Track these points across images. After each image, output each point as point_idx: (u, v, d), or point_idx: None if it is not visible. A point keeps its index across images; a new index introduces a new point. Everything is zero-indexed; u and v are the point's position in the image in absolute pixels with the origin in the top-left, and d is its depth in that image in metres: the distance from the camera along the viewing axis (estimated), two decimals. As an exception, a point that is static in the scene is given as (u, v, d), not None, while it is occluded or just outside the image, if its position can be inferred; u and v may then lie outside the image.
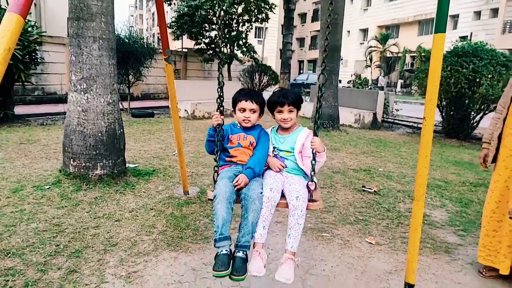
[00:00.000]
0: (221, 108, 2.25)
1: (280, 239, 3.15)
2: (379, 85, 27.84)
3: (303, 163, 2.33)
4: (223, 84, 2.24)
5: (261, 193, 2.12)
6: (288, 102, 2.34)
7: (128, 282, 2.44)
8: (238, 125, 2.43)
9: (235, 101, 2.40)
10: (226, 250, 1.98)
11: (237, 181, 2.10)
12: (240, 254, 2.00)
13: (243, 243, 2.03)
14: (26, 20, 7.17)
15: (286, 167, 2.35)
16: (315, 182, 2.21)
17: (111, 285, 2.40)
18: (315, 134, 2.23)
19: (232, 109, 2.45)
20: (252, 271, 2.01)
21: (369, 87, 16.13)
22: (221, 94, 2.23)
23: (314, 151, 2.19)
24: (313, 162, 2.20)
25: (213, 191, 2.13)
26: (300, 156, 2.34)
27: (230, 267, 1.94)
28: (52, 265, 2.57)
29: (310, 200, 2.20)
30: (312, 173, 2.21)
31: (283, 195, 2.20)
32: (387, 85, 32.92)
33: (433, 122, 2.01)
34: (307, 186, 2.20)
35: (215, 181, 2.21)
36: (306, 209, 2.15)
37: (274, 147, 2.42)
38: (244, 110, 2.36)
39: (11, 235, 2.96)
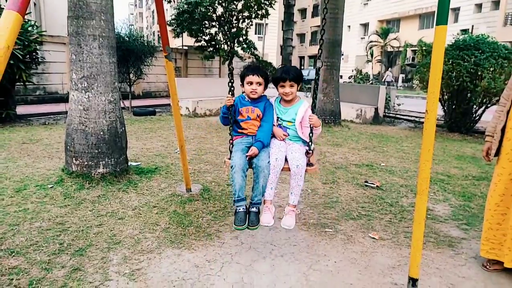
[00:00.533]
0: (232, 89, 2.67)
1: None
2: (387, 79, 27.54)
3: (302, 132, 2.73)
4: (233, 69, 2.69)
5: (269, 162, 2.56)
6: (289, 78, 2.66)
7: (132, 280, 2.44)
8: (246, 97, 2.77)
9: (243, 76, 2.74)
10: (243, 208, 2.51)
11: (250, 154, 2.54)
12: (254, 209, 2.54)
13: (256, 201, 2.55)
14: (26, 20, 7.16)
15: (288, 135, 2.75)
16: (312, 150, 2.66)
17: (115, 282, 2.41)
18: (313, 112, 2.64)
19: (241, 84, 2.79)
20: (264, 222, 2.58)
21: (371, 82, 16.07)
22: (232, 78, 2.63)
23: (311, 125, 2.59)
24: (311, 134, 2.63)
25: (229, 159, 2.60)
26: (300, 126, 2.72)
27: (247, 221, 2.49)
28: (56, 263, 2.58)
29: (308, 164, 2.63)
30: (310, 142, 2.65)
31: (286, 160, 2.62)
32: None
33: (436, 115, 2.00)
34: (306, 152, 2.64)
35: (230, 151, 2.66)
36: (305, 172, 2.60)
37: (278, 117, 2.79)
38: (251, 83, 2.70)
39: (15, 234, 2.97)
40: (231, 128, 2.72)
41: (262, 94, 2.81)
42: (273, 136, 2.76)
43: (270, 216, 2.60)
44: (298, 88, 2.76)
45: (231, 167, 2.52)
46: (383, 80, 27.67)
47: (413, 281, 2.33)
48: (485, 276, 2.67)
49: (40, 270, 2.48)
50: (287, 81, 2.67)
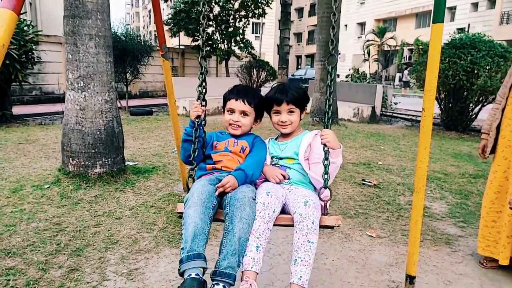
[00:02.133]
0: (201, 97, 1.80)
1: (281, 234, 3.15)
2: (404, 79, 27.30)
3: (311, 171, 1.84)
4: (206, 71, 1.84)
5: (254, 198, 1.61)
6: (287, 100, 1.86)
7: (130, 279, 2.44)
8: (227, 131, 1.99)
9: (225, 99, 1.96)
10: (197, 275, 1.37)
11: (223, 184, 1.59)
12: (219, 287, 1.41)
13: (224, 269, 1.43)
14: (22, 19, 7.11)
15: (289, 177, 1.84)
16: (330, 189, 1.67)
17: (113, 282, 2.40)
18: (327, 127, 1.74)
19: (223, 109, 2.01)
20: None
21: (368, 81, 16.10)
22: (204, 82, 1.80)
23: (326, 148, 1.69)
24: (326, 162, 1.67)
25: (183, 203, 1.62)
26: (307, 164, 1.85)
27: None
28: (53, 264, 2.57)
29: (324, 213, 1.69)
30: (326, 176, 1.66)
31: (284, 212, 1.70)
32: (386, 79, 32.89)
33: (432, 112, 2.01)
34: (319, 196, 1.70)
35: (188, 189, 1.66)
36: (320, 225, 1.60)
37: (272, 157, 1.96)
38: (233, 111, 1.90)
39: (11, 234, 2.96)
40: (193, 161, 1.76)
41: (250, 133, 2.00)
42: (265, 180, 1.89)
43: None
44: (302, 117, 1.97)
45: (185, 201, 1.58)
46: (400, 80, 27.43)
47: (410, 278, 2.34)
48: (481, 273, 2.68)
49: (37, 270, 2.47)
50: (284, 104, 1.87)
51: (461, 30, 20.29)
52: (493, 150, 2.73)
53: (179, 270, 1.41)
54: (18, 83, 8.35)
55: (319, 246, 3.00)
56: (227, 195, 1.61)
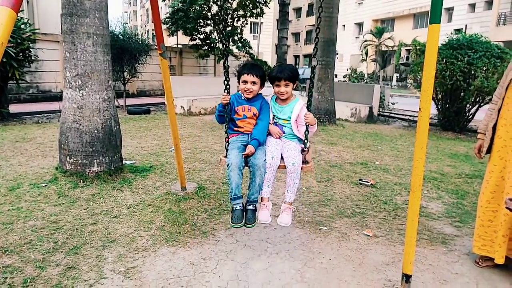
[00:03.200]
0: (228, 87, 2.66)
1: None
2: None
3: (298, 130, 2.74)
4: (228, 67, 2.68)
5: (265, 160, 2.55)
6: (284, 77, 2.67)
7: (127, 278, 2.44)
8: (242, 95, 2.75)
9: (239, 74, 2.73)
10: (240, 206, 2.52)
11: (247, 153, 2.54)
12: (251, 207, 2.56)
13: (253, 199, 2.56)
14: (19, 17, 7.05)
15: (284, 133, 2.76)
16: (307, 148, 2.67)
17: (110, 280, 2.40)
18: (308, 110, 2.65)
19: (238, 81, 2.79)
20: (261, 219, 2.58)
21: (365, 81, 16.14)
22: (227, 76, 2.65)
23: (307, 123, 2.61)
24: (306, 132, 2.64)
25: (225, 157, 2.59)
26: (296, 124, 2.73)
27: (243, 219, 2.49)
28: (50, 262, 2.57)
29: (304, 162, 2.64)
30: (305, 140, 2.66)
31: (282, 158, 2.63)
32: (383, 79, 32.96)
33: (429, 112, 2.02)
34: (301, 150, 2.65)
35: (226, 150, 2.65)
36: (301, 170, 2.62)
37: (273, 115, 2.80)
38: (246, 82, 2.69)
39: (8, 232, 2.95)
40: (226, 126, 2.73)
41: (259, 93, 2.81)
42: (269, 134, 2.76)
43: (267, 213, 2.61)
44: (294, 87, 2.77)
45: (227, 165, 2.51)
46: (397, 80, 27.31)
47: (406, 277, 2.36)
48: (477, 272, 2.70)
49: (34, 268, 2.47)
50: (282, 80, 2.68)
51: (458, 31, 20.36)
52: (489, 150, 2.75)
53: (231, 202, 2.55)
54: (15, 81, 8.33)
55: (316, 245, 3.01)
56: (249, 160, 2.56)
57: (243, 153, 2.55)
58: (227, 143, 2.69)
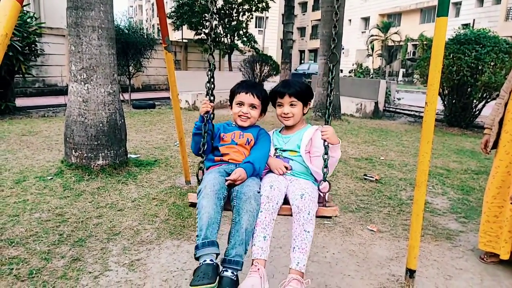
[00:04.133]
0: (210, 93, 1.94)
1: (282, 226, 3.16)
2: None
3: (312, 163, 1.95)
4: (214, 67, 1.97)
5: (259, 192, 1.73)
6: (289, 93, 1.97)
7: (132, 270, 2.46)
8: (233, 123, 2.09)
9: (233, 93, 2.07)
10: (211, 261, 1.51)
11: (233, 178, 1.71)
12: (228, 273, 1.53)
13: (233, 257, 1.56)
14: (25, 11, 7.08)
15: (291, 169, 1.96)
16: (328, 182, 1.80)
17: (115, 273, 2.42)
18: (327, 123, 1.87)
19: (229, 104, 2.12)
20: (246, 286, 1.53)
21: (371, 76, 16.04)
22: (212, 78, 1.93)
23: (326, 143, 1.81)
24: (326, 156, 1.80)
25: (195, 194, 1.75)
26: (308, 157, 1.97)
27: (215, 282, 1.45)
28: (55, 253, 2.59)
29: (323, 204, 1.80)
30: (325, 170, 1.80)
31: (286, 202, 1.78)
32: (389, 74, 32.72)
33: (436, 107, 2.00)
34: (319, 189, 1.83)
35: (199, 181, 1.80)
36: (317, 215, 1.73)
37: (276, 148, 2.07)
38: (242, 104, 2.02)
39: (14, 224, 2.98)
40: (203, 154, 1.90)
41: (255, 124, 2.10)
42: (269, 171, 2.00)
43: (258, 282, 1.55)
44: (306, 110, 2.06)
45: (198, 192, 1.70)
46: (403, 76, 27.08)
47: (410, 272, 2.35)
48: (482, 268, 2.68)
49: (40, 260, 2.50)
50: (287, 97, 1.98)
51: (466, 25, 20.14)
52: (495, 145, 2.72)
53: (195, 255, 1.56)
54: (21, 75, 8.37)
55: (320, 240, 3.01)
56: (234, 188, 1.72)
57: (227, 178, 1.74)
58: (200, 172, 1.85)
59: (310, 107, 2.10)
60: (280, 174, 1.92)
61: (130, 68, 11.17)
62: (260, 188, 1.76)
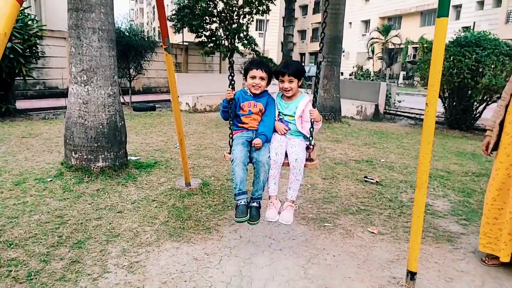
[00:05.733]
0: (233, 83, 2.63)
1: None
2: None
3: (302, 126, 2.70)
4: (234, 62, 2.69)
5: (269, 157, 2.54)
6: (288, 72, 2.62)
7: (131, 272, 2.45)
8: (248, 92, 2.75)
9: (247, 70, 2.73)
10: (244, 202, 2.49)
11: (256, 143, 2.53)
12: (255, 204, 2.53)
13: (256, 196, 2.55)
14: (26, 13, 7.06)
15: (289, 129, 2.72)
16: (312, 144, 2.63)
17: (114, 275, 2.41)
18: (313, 106, 2.61)
19: (244, 78, 2.80)
20: (268, 217, 2.54)
21: (371, 79, 16.04)
22: (232, 72, 2.62)
23: (312, 120, 2.56)
24: (311, 129, 2.60)
25: (229, 153, 2.60)
26: (300, 121, 2.69)
27: (248, 214, 2.47)
28: (54, 255, 2.58)
29: (308, 159, 2.60)
30: (310, 138, 2.63)
31: (287, 155, 2.59)
32: (390, 77, 32.72)
33: (436, 108, 2.00)
34: (306, 148, 2.61)
35: (230, 146, 2.65)
36: (304, 167, 2.57)
37: (279, 112, 2.77)
38: (254, 77, 2.68)
39: (13, 226, 2.97)
40: (231, 122, 2.70)
41: (265, 89, 2.80)
42: (274, 130, 2.74)
43: (275, 211, 2.55)
44: (299, 84, 2.72)
45: (232, 160, 2.51)
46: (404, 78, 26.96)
47: (411, 274, 2.34)
48: (483, 270, 2.67)
49: (39, 262, 2.49)
50: (286, 75, 2.64)
51: (466, 28, 20.16)
52: (496, 147, 2.71)
53: (234, 198, 2.50)
54: (22, 78, 8.37)
55: (321, 242, 3.00)
56: (253, 156, 2.55)
57: (252, 140, 2.57)
58: (231, 139, 2.67)
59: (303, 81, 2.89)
60: (282, 134, 2.70)
61: (131, 70, 11.18)
62: (269, 153, 2.57)
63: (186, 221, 3.24)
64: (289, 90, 2.68)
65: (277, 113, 2.77)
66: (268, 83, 2.77)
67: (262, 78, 2.70)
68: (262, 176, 2.51)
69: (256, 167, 2.54)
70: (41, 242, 2.75)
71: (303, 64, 43.71)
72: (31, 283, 2.25)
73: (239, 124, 2.76)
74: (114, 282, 2.33)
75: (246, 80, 2.75)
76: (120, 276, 2.39)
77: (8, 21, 1.38)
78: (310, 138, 2.62)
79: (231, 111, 2.68)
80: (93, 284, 2.29)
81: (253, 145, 2.54)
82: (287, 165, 2.58)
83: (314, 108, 2.61)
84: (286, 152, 2.61)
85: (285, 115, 2.75)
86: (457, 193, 4.31)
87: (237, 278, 2.44)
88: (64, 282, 2.29)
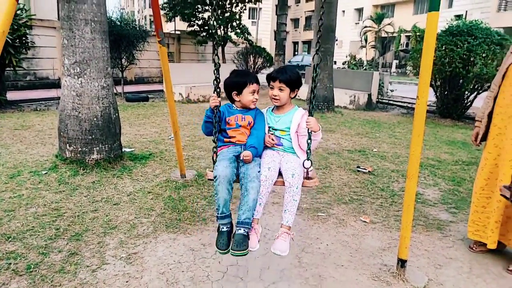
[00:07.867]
0: (218, 90, 2.26)
1: (277, 219, 3.21)
2: None
3: (299, 142, 2.34)
4: (219, 65, 2.22)
5: (259, 172, 2.17)
6: (280, 79, 2.29)
7: (129, 263, 2.49)
8: (234, 106, 2.43)
9: (244, 84, 2.35)
10: (227, 227, 2.14)
11: (247, 156, 2.17)
12: (241, 231, 2.09)
13: (244, 219, 2.10)
14: (15, 3, 6.89)
15: (281, 145, 2.37)
16: (311, 161, 2.24)
17: (112, 266, 2.45)
18: (310, 114, 2.23)
19: (226, 94, 2.40)
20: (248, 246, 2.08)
21: (364, 68, 16.08)
22: (218, 76, 2.24)
23: (309, 131, 2.20)
24: (309, 141, 2.21)
25: (212, 171, 2.19)
26: (296, 136, 2.34)
27: (231, 244, 2.07)
28: (53, 248, 2.61)
29: (306, 177, 2.26)
30: (308, 151, 2.23)
31: (280, 174, 2.25)
32: (382, 66, 32.79)
33: (426, 101, 2.04)
34: (303, 165, 2.24)
35: (214, 162, 2.25)
36: (302, 186, 2.22)
37: (269, 127, 2.41)
38: (254, 92, 2.38)
39: (10, 219, 3.00)
40: (215, 136, 2.31)
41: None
42: (265, 146, 2.39)
43: (255, 238, 2.14)
44: (293, 95, 2.37)
45: (214, 177, 2.13)
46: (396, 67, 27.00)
47: (402, 262, 2.42)
48: (471, 257, 2.76)
49: (37, 254, 2.52)
50: (277, 81, 2.29)
51: (458, 17, 20.20)
52: (485, 138, 2.78)
53: (218, 225, 2.15)
54: (12, 68, 8.25)
55: (314, 231, 3.07)
56: (241, 170, 2.19)
57: (240, 154, 2.21)
58: (215, 155, 2.29)
59: (303, 99, 2.36)
60: (272, 145, 2.36)
61: (123, 60, 11.06)
62: (260, 168, 2.21)
63: (182, 213, 3.29)
64: (277, 99, 2.33)
65: (267, 128, 2.42)
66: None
67: (257, 92, 2.39)
68: (252, 194, 2.11)
69: (244, 184, 2.15)
70: (39, 235, 2.78)
71: (296, 53, 43.19)
72: (31, 276, 2.29)
73: (225, 139, 2.38)
74: (113, 273, 2.38)
75: (237, 95, 2.39)
76: (118, 267, 2.44)
77: (6, 19, 1.39)
78: (308, 152, 2.23)
79: (215, 122, 2.27)
80: (92, 275, 2.34)
81: (241, 157, 2.19)
82: (280, 184, 2.23)
83: (311, 115, 2.23)
84: (279, 170, 2.25)
85: (275, 129, 2.38)
86: (447, 182, 4.41)
87: (234, 268, 2.50)
88: (64, 274, 2.33)
